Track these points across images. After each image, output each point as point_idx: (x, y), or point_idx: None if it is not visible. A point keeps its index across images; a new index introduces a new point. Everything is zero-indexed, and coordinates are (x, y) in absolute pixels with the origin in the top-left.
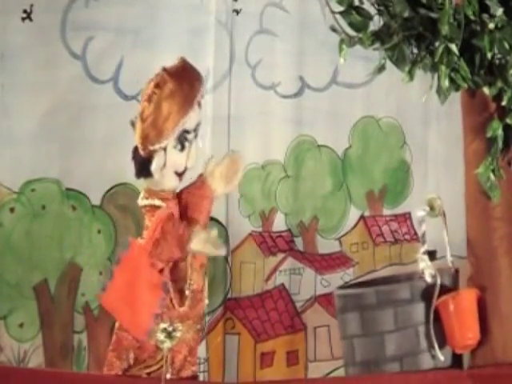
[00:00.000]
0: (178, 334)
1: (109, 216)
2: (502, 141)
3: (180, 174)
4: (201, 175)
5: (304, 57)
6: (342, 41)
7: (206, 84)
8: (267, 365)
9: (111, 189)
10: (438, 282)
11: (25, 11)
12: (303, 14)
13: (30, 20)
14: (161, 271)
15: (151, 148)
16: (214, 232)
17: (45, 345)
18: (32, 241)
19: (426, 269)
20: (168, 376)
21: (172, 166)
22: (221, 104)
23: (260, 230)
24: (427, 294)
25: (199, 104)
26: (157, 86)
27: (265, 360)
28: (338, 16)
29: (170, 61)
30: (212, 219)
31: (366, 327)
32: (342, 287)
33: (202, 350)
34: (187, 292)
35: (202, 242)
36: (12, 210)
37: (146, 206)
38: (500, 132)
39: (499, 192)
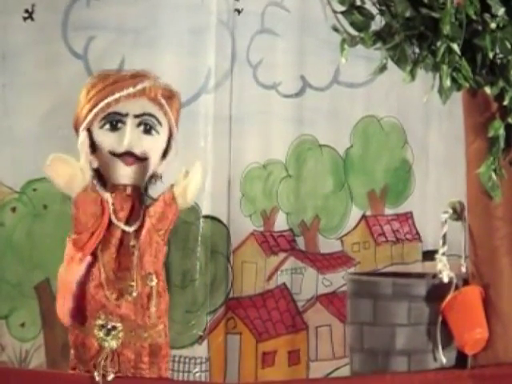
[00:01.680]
0: (119, 335)
1: None
2: (503, 140)
3: (121, 156)
4: (171, 185)
5: (305, 56)
6: (343, 40)
7: (208, 84)
8: (268, 364)
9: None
10: (454, 282)
11: (26, 11)
12: (304, 13)
13: (32, 19)
14: (83, 247)
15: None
16: None
17: (46, 344)
18: (33, 240)
19: (444, 270)
20: (112, 377)
21: (105, 146)
22: (222, 103)
23: (261, 229)
24: (441, 294)
25: (154, 100)
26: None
27: (266, 360)
28: (339, 15)
29: (171, 60)
30: (213, 218)
31: (378, 316)
32: (354, 273)
33: (203, 350)
34: (128, 294)
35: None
36: (13, 209)
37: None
38: (501, 132)
39: (501, 192)
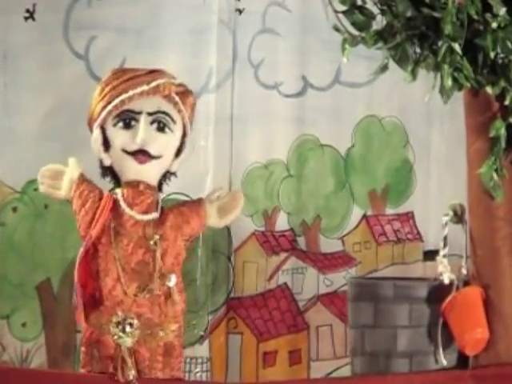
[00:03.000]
0: (135, 332)
1: None
2: (504, 140)
3: (133, 154)
4: (200, 199)
5: (307, 56)
6: (344, 40)
7: (209, 84)
8: (270, 364)
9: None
10: (455, 284)
11: (27, 10)
12: (306, 13)
13: (33, 19)
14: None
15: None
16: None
17: (47, 344)
18: (35, 240)
19: (445, 272)
20: (133, 373)
21: (118, 144)
22: (223, 103)
23: (263, 229)
24: (442, 295)
25: (169, 98)
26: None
27: (267, 359)
28: (340, 15)
29: (173, 60)
30: None
31: (379, 319)
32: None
33: (204, 350)
34: (145, 291)
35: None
36: (15, 209)
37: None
38: (503, 131)
39: (502, 192)
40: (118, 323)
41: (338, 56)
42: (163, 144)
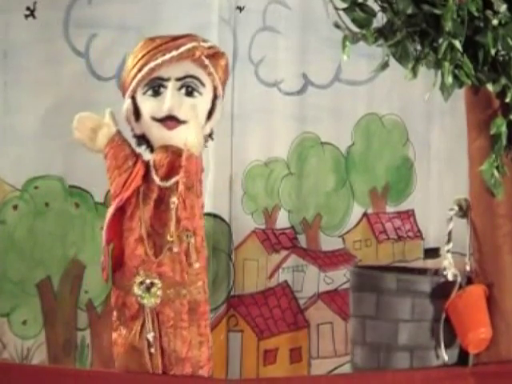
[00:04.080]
0: (158, 292)
1: None
2: (505, 138)
3: (162, 120)
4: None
5: (307, 54)
6: (345, 37)
7: None
8: (270, 362)
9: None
10: (459, 280)
11: (28, 8)
12: (306, 10)
13: (33, 17)
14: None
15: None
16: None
17: (48, 342)
18: (35, 238)
19: (449, 267)
20: (152, 335)
21: (147, 113)
22: (224, 101)
23: (263, 227)
24: (445, 291)
25: (198, 61)
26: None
27: (268, 357)
28: (341, 13)
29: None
30: (215, 216)
31: (381, 311)
32: (358, 267)
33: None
34: (167, 248)
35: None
36: (15, 207)
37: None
38: (504, 129)
39: (503, 189)
40: (141, 283)
41: (339, 54)
42: (193, 109)
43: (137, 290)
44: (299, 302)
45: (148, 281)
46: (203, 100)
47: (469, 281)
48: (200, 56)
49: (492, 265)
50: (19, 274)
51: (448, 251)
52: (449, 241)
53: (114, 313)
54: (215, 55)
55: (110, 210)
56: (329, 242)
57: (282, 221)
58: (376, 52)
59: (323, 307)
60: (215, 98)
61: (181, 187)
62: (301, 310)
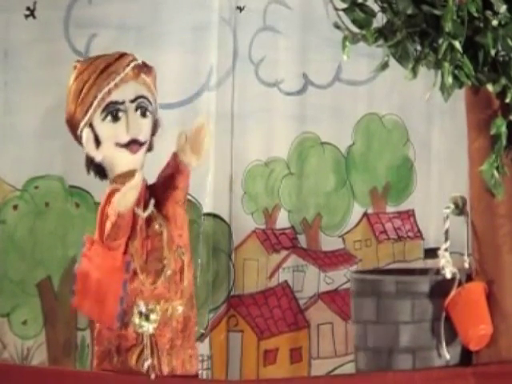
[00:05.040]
0: (156, 318)
1: None
2: (505, 138)
3: (126, 145)
4: (174, 153)
5: (307, 54)
6: (345, 38)
7: (210, 81)
8: (270, 362)
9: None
10: (458, 279)
11: (28, 8)
12: (306, 10)
13: (33, 17)
14: (124, 251)
15: (78, 132)
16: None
17: (48, 342)
18: (35, 238)
19: (447, 266)
20: (150, 360)
21: (109, 138)
22: (224, 101)
23: (263, 227)
24: (445, 290)
25: (141, 81)
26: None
27: (268, 357)
28: (341, 13)
29: (173, 58)
30: (215, 216)
31: (381, 314)
32: (358, 272)
33: (205, 348)
34: (163, 273)
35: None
36: (15, 207)
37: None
38: (504, 129)
39: (503, 189)
40: (140, 313)
41: (339, 54)
42: (148, 128)
43: (137, 320)
44: (299, 302)
45: (146, 309)
46: (151, 118)
47: (468, 279)
48: (140, 74)
49: (492, 264)
50: (19, 274)
51: (446, 250)
52: (446, 239)
53: (98, 347)
54: (149, 71)
55: (122, 271)
56: (329, 242)
57: (282, 221)
58: (376, 52)
59: (323, 307)
60: (155, 112)
61: (171, 207)
62: (301, 310)
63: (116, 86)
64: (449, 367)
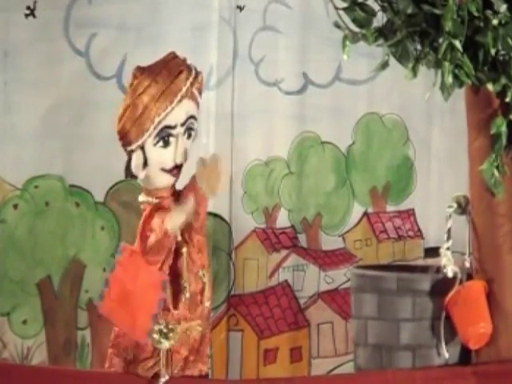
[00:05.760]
0: (175, 336)
1: (112, 213)
2: (505, 137)
3: (170, 171)
4: (193, 181)
5: (307, 53)
6: (345, 37)
7: (210, 81)
8: (270, 361)
9: (115, 185)
10: (459, 277)
11: (28, 8)
12: (306, 10)
13: (34, 17)
14: (160, 269)
15: (129, 148)
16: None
17: (48, 341)
18: (35, 237)
19: (449, 265)
20: (166, 376)
21: (156, 163)
22: (224, 101)
23: (263, 226)
24: (445, 289)
25: (191, 97)
26: (130, 85)
27: (268, 357)
28: (341, 12)
29: None
30: (215, 216)
31: (382, 311)
32: (359, 267)
33: None
34: (183, 295)
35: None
36: (15, 206)
37: (143, 203)
38: (504, 128)
39: (503, 188)
40: (161, 331)
41: (339, 53)
42: (189, 148)
43: (155, 335)
44: (299, 302)
45: (166, 328)
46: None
47: (469, 278)
48: (192, 88)
49: (492, 264)
50: (19, 274)
51: (447, 248)
52: (448, 238)
53: (112, 350)
54: (196, 80)
55: (160, 289)
56: (329, 242)
57: (283, 220)
58: (376, 51)
59: (323, 307)
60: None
61: (192, 233)
62: (301, 310)
63: (173, 109)
64: (448, 366)
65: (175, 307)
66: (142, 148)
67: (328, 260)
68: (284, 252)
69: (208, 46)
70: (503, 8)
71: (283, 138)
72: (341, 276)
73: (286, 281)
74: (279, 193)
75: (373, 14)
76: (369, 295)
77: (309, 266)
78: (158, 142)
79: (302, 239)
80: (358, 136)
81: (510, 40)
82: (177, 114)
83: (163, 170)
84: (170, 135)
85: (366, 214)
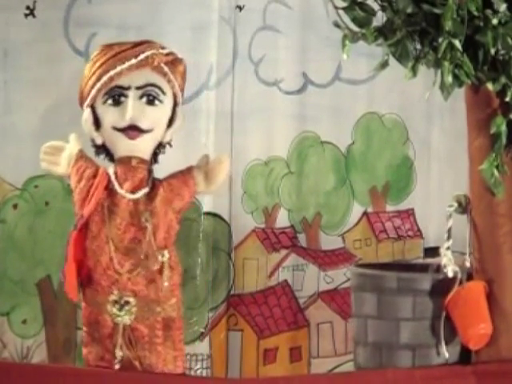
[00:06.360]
0: (133, 309)
1: None
2: (505, 137)
3: (123, 130)
4: (190, 168)
5: (307, 53)
6: (345, 36)
7: (209, 80)
8: (270, 361)
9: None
10: (459, 277)
11: (28, 7)
12: (306, 9)
13: (33, 16)
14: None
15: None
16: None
17: (48, 341)
18: (35, 237)
19: (449, 264)
20: (120, 354)
21: (108, 122)
22: (224, 100)
23: (263, 226)
24: (446, 288)
25: (157, 69)
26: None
27: (268, 356)
28: (341, 12)
29: None
30: (215, 215)
31: (382, 310)
32: (359, 265)
33: (204, 347)
34: (139, 267)
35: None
36: (15, 206)
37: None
38: (504, 128)
39: (503, 188)
40: (115, 302)
41: (339, 53)
42: (154, 117)
43: (111, 308)
44: (299, 301)
45: (122, 299)
46: (164, 108)
47: (469, 278)
48: (159, 63)
49: (492, 264)
50: (19, 273)
51: (448, 248)
52: (448, 238)
53: (85, 328)
54: (174, 62)
55: (73, 231)
56: (329, 241)
57: (282, 220)
58: (376, 51)
59: (323, 306)
60: (175, 105)
61: (163, 198)
62: (301, 309)
63: (124, 71)
64: (448, 366)
65: (130, 272)
66: (92, 107)
67: (328, 260)
68: (284, 252)
69: (208, 45)
70: (503, 7)
71: (283, 137)
72: (340, 276)
73: (286, 280)
74: (279, 192)
75: (372, 13)
76: (369, 294)
77: (308, 265)
78: (107, 99)
79: (302, 239)
80: (357, 136)
81: (509, 39)
82: (132, 77)
83: (115, 128)
84: (121, 94)
85: (365, 213)
